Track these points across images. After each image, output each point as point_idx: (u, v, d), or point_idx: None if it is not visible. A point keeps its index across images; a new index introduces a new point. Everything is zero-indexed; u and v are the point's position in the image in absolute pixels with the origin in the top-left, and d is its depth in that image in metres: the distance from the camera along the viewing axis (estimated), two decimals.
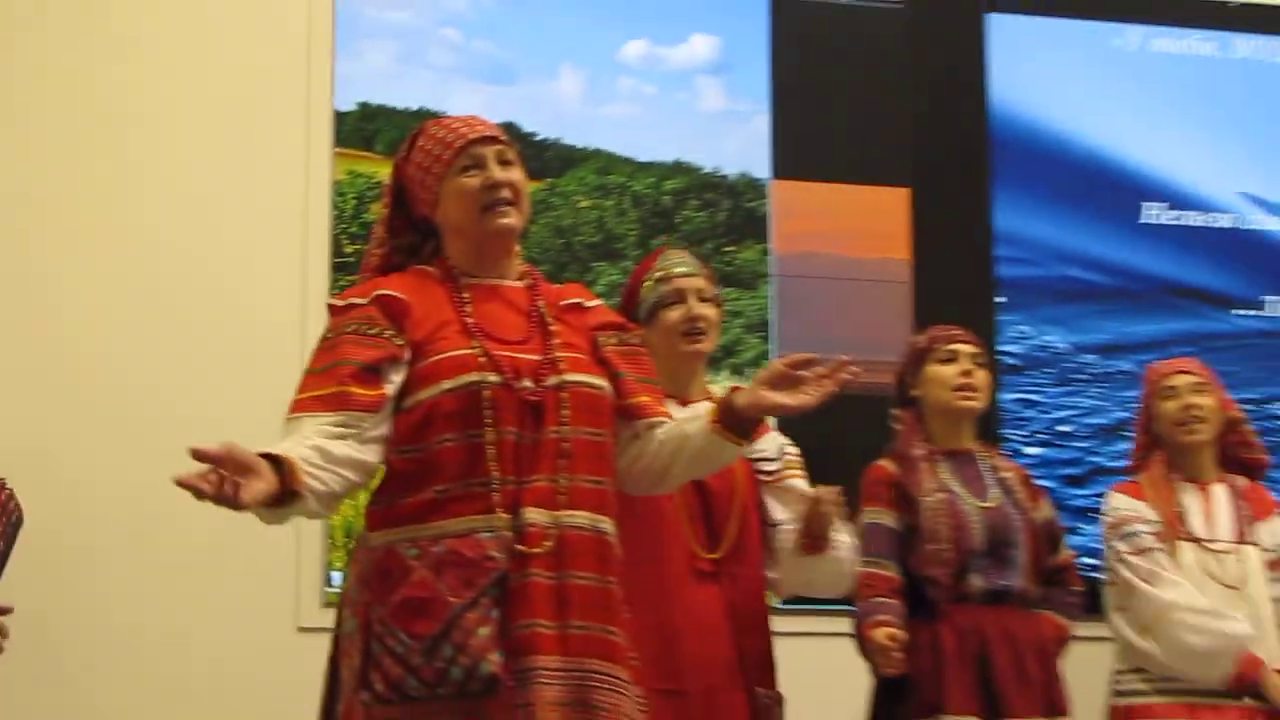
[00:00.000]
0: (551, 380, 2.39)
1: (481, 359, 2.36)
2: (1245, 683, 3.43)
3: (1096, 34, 4.56)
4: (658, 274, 3.15)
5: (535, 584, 2.35)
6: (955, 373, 3.38)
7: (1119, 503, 3.65)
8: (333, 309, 2.49)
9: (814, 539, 3.10)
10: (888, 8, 4.37)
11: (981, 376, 3.47)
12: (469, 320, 2.44)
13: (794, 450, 3.22)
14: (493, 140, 2.47)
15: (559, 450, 2.41)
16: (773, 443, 3.16)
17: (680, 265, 3.15)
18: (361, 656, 2.33)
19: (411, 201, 2.55)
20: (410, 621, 2.29)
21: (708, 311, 3.11)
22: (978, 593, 3.27)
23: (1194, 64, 4.65)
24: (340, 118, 3.99)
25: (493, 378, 2.36)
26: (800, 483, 3.18)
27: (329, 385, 2.36)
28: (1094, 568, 3.91)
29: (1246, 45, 4.68)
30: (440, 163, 2.45)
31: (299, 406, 2.37)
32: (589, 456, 2.42)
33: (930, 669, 3.22)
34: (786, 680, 3.41)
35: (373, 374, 2.35)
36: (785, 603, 3.68)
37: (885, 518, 3.28)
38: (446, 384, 2.36)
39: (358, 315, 2.43)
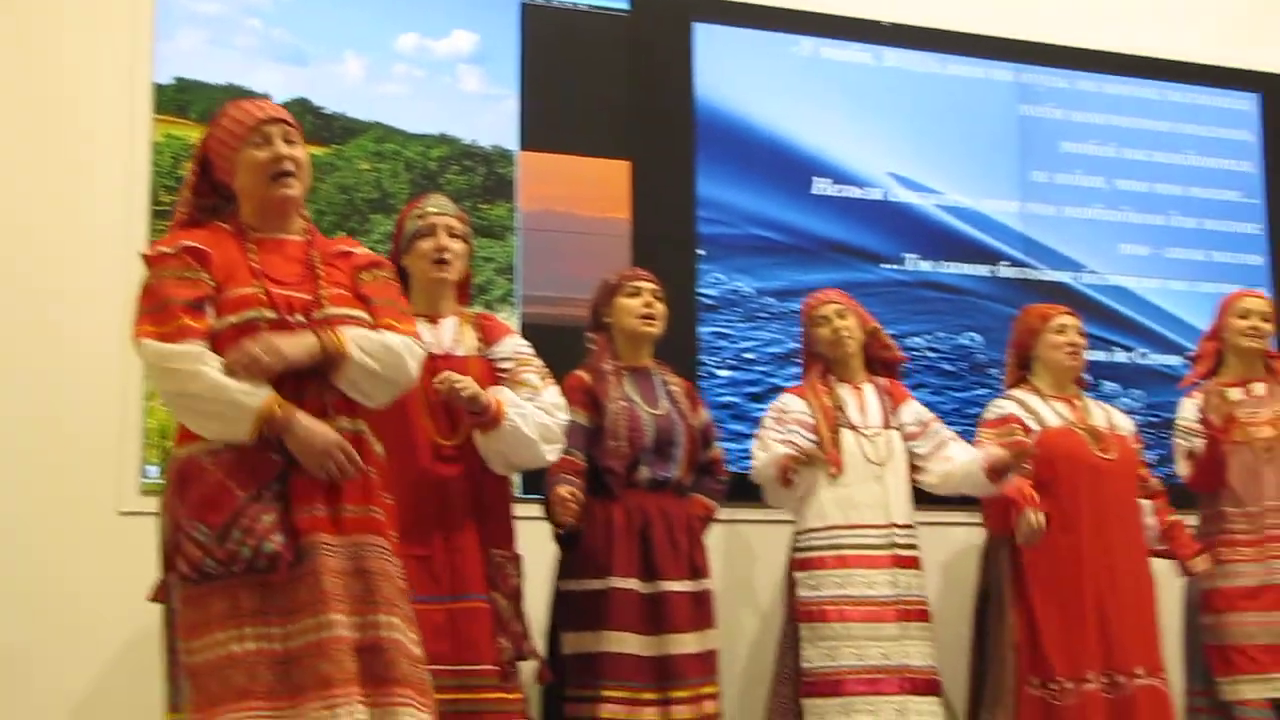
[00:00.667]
0: (317, 314, 2.64)
1: (261, 296, 2.62)
2: (782, 469, 3.81)
3: (780, 43, 4.79)
4: (417, 212, 3.42)
5: (311, 477, 2.59)
6: (639, 304, 3.70)
7: (777, 400, 4.05)
8: (147, 258, 2.65)
9: (474, 418, 3.24)
10: (615, 13, 4.57)
11: (660, 308, 3.76)
12: (254, 266, 2.65)
13: (527, 350, 3.45)
14: (280, 121, 2.73)
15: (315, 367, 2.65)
16: (509, 345, 3.42)
17: (435, 206, 3.43)
18: (169, 546, 2.57)
19: (213, 169, 2.75)
20: (205, 513, 2.51)
21: (454, 245, 3.37)
22: (644, 481, 3.61)
23: (854, 69, 4.92)
24: (159, 89, 4.03)
25: (269, 313, 2.59)
26: (532, 376, 3.39)
27: (169, 322, 2.55)
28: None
29: (895, 56, 4.98)
30: (236, 138, 2.69)
31: (145, 334, 2.55)
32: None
33: (603, 541, 3.54)
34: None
35: (197, 309, 2.57)
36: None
37: (579, 417, 3.53)
38: (233, 317, 2.60)
39: (172, 262, 2.61)
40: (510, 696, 3.20)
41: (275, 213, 2.72)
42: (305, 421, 2.55)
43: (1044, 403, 4.17)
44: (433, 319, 3.32)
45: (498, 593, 3.25)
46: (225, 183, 2.74)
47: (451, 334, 3.35)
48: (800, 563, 3.91)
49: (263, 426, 2.51)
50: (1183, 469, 4.30)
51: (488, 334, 3.42)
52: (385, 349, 2.66)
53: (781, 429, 3.93)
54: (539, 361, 3.41)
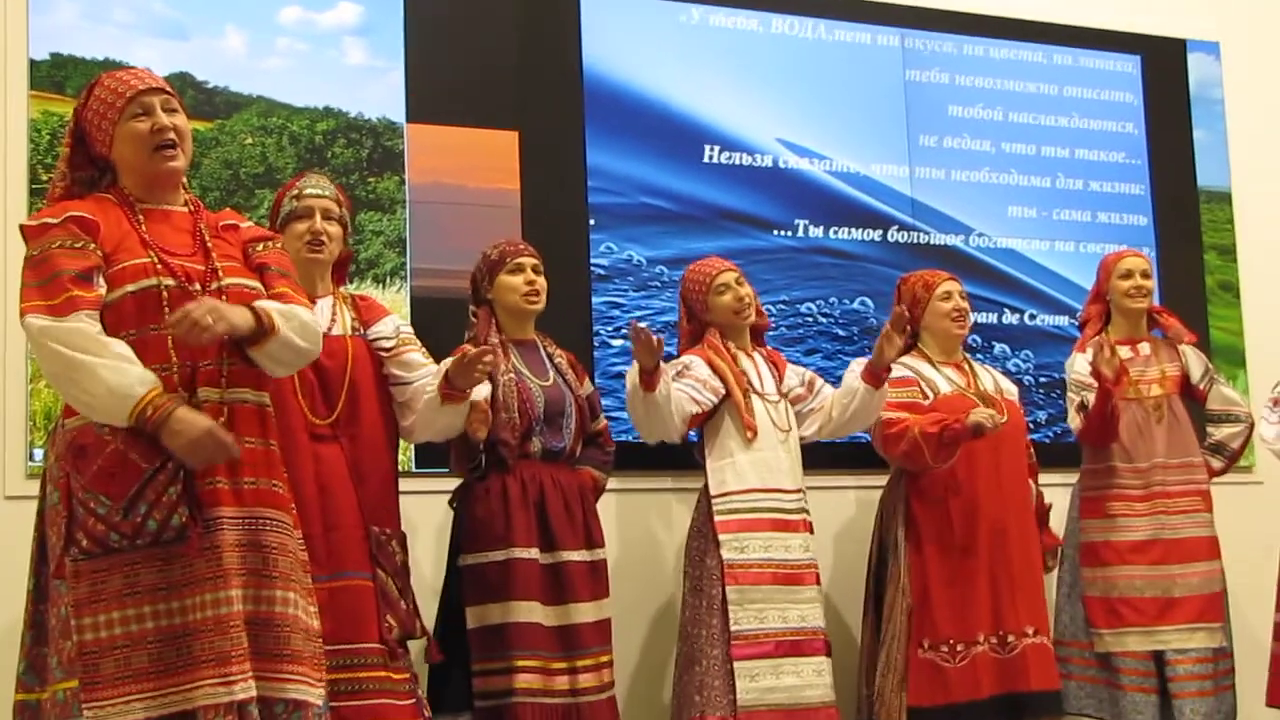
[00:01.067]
0: (214, 284, 2.64)
1: (158, 265, 2.60)
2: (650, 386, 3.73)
3: (667, 10, 4.80)
4: (294, 192, 3.43)
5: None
6: (522, 281, 3.70)
7: (680, 359, 4.04)
8: (29, 230, 2.59)
9: (455, 390, 3.32)
10: None
11: (541, 282, 3.77)
12: (145, 236, 2.63)
13: (408, 329, 3.52)
14: (159, 91, 2.71)
15: (223, 340, 2.62)
16: (389, 324, 3.43)
17: (313, 188, 3.43)
18: (66, 520, 2.51)
19: (89, 141, 2.71)
20: (107, 485, 2.48)
21: (330, 228, 3.38)
22: (537, 452, 3.61)
23: (742, 37, 4.91)
24: (34, 65, 3.96)
25: (169, 281, 2.60)
26: (417, 355, 3.43)
27: (58, 294, 2.51)
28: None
29: (782, 23, 4.98)
30: (114, 109, 2.66)
31: (33, 310, 2.50)
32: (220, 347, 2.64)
33: (500, 512, 3.54)
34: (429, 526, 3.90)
35: (86, 280, 2.53)
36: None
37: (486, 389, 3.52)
38: (130, 286, 2.57)
39: (58, 232, 2.57)
40: (397, 676, 3.19)
41: (160, 184, 2.72)
42: (180, 415, 2.51)
43: (934, 369, 4.23)
44: (310, 298, 3.28)
45: (382, 571, 3.25)
46: (103, 155, 2.71)
47: (327, 314, 3.33)
48: (723, 525, 3.92)
49: (137, 419, 2.48)
50: (1075, 422, 4.37)
51: (365, 314, 3.43)
52: (302, 323, 2.68)
53: (679, 382, 3.90)
54: (417, 341, 3.46)
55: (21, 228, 2.65)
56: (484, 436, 3.47)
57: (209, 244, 2.70)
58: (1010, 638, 4.01)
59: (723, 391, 3.95)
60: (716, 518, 3.93)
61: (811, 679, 3.86)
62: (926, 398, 4.15)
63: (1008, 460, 4.14)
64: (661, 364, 3.74)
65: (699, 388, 3.92)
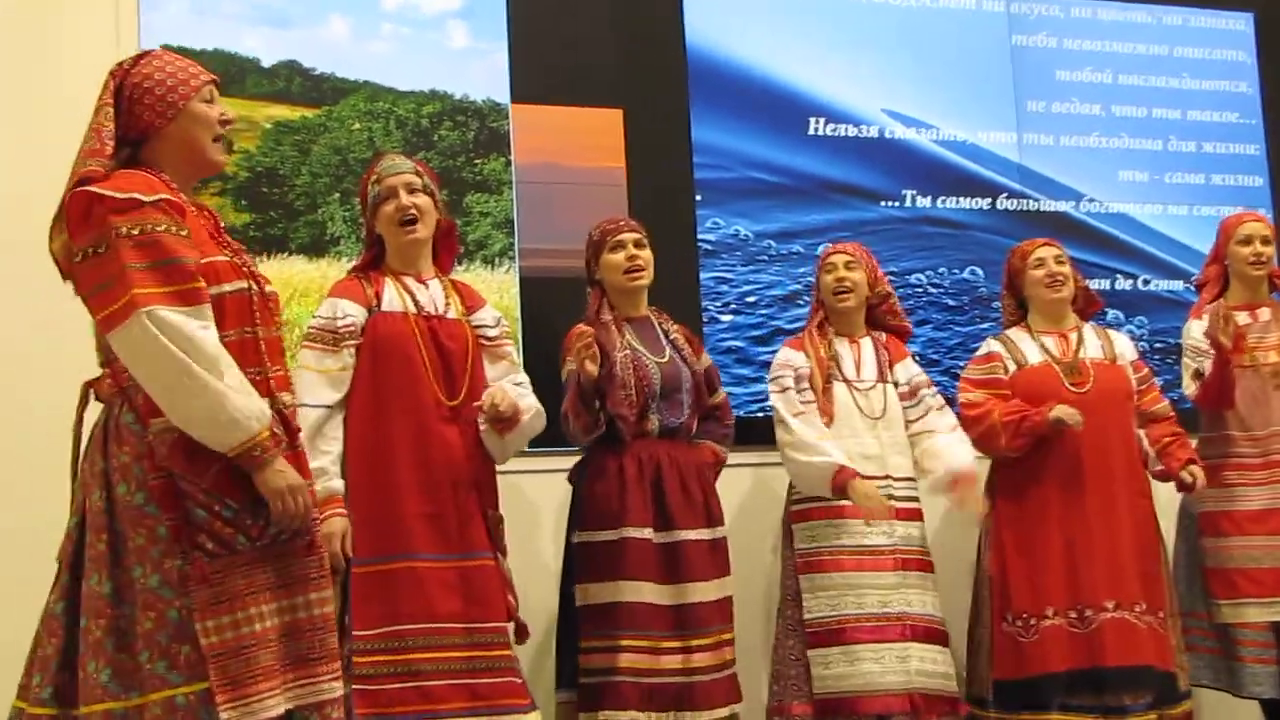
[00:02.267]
0: (268, 288, 2.60)
1: (244, 268, 2.54)
2: (838, 489, 3.79)
3: None
4: (373, 179, 3.40)
5: (301, 452, 2.60)
6: (623, 258, 3.71)
7: (780, 355, 4.05)
8: (115, 202, 2.39)
9: (502, 425, 3.34)
10: None
11: (645, 256, 3.77)
12: (212, 231, 2.56)
13: (505, 323, 3.55)
14: (214, 82, 2.64)
15: (280, 347, 2.62)
16: (489, 314, 3.51)
17: (390, 167, 3.39)
18: (173, 523, 2.42)
19: (137, 114, 2.54)
20: (232, 490, 2.43)
21: (418, 200, 3.34)
22: (655, 429, 3.63)
23: (845, 6, 4.93)
24: None
25: (253, 285, 2.53)
26: (513, 351, 3.50)
27: (188, 281, 2.39)
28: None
29: None
30: (188, 86, 2.56)
31: (154, 299, 2.33)
32: (283, 350, 2.64)
33: (616, 490, 3.56)
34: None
35: (198, 275, 2.42)
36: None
37: (591, 367, 3.52)
38: (227, 287, 2.49)
39: (156, 215, 2.42)
40: (513, 654, 3.25)
41: (200, 175, 2.69)
42: (278, 465, 2.47)
43: (1032, 339, 4.18)
44: (420, 279, 3.36)
45: (499, 552, 3.29)
46: (142, 130, 2.55)
47: (442, 295, 3.38)
48: (796, 515, 3.95)
49: (240, 451, 2.42)
50: (1190, 389, 4.30)
51: (467, 299, 3.44)
52: None
53: (783, 399, 3.95)
54: (511, 340, 3.55)
55: (96, 196, 2.41)
56: (594, 373, 3.45)
57: (236, 243, 2.65)
58: (1089, 612, 3.95)
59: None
60: (791, 507, 3.97)
61: (893, 665, 3.82)
62: (1007, 372, 4.14)
63: (1093, 429, 4.03)
64: (854, 484, 3.75)
65: (801, 391, 3.95)
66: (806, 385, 3.95)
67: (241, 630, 2.44)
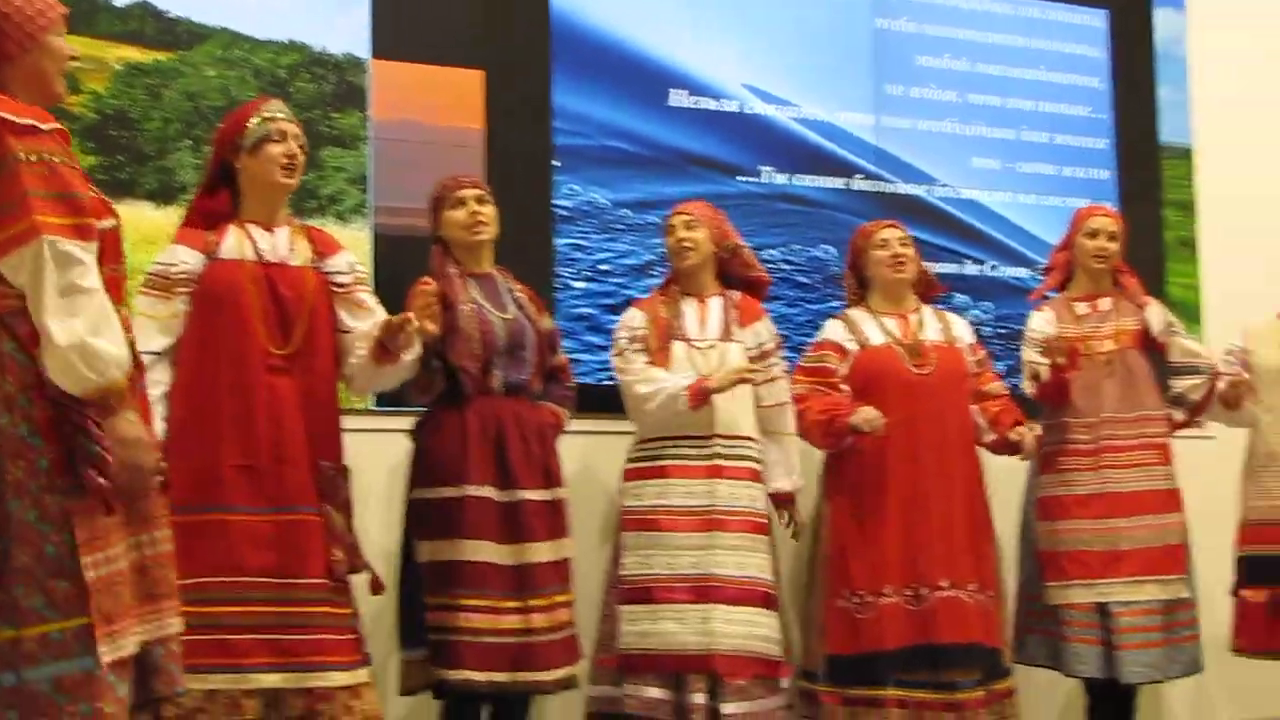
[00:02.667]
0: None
1: (109, 204, 2.54)
2: (699, 399, 3.84)
3: None
4: (265, 115, 3.37)
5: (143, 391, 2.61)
6: (464, 215, 3.73)
7: (623, 315, 4.07)
8: (13, 126, 2.36)
9: (387, 352, 3.36)
10: None
11: (488, 212, 3.77)
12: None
13: (361, 268, 3.55)
14: (67, 18, 2.62)
15: (125, 286, 2.60)
16: (344, 260, 3.46)
17: (283, 113, 3.41)
18: (59, 457, 2.40)
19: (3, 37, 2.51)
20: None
21: (300, 154, 3.39)
22: (499, 386, 3.63)
23: None
24: None
25: (118, 223, 2.52)
26: (368, 297, 3.45)
27: (84, 215, 2.37)
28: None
29: None
30: (45, 18, 2.52)
31: (58, 230, 2.32)
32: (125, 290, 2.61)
33: (458, 447, 3.56)
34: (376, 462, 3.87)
35: (88, 209, 2.40)
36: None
37: (431, 327, 3.51)
38: (104, 224, 2.46)
39: (52, 144, 2.40)
40: (339, 611, 3.22)
41: (44, 107, 2.61)
42: (130, 415, 2.45)
43: (874, 319, 4.23)
44: (268, 226, 3.34)
45: (330, 505, 3.26)
46: (7, 52, 2.52)
47: (285, 244, 3.35)
48: (628, 474, 3.99)
49: (99, 397, 2.40)
50: (1028, 388, 4.40)
51: (320, 246, 3.43)
52: None
53: (621, 359, 4.01)
54: (368, 284, 3.52)
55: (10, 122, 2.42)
56: (433, 331, 3.46)
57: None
58: (924, 590, 4.03)
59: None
60: (626, 466, 4.01)
61: (694, 625, 3.85)
62: (844, 357, 4.21)
63: (931, 411, 4.15)
64: (707, 384, 3.83)
65: (636, 350, 4.00)
66: (640, 346, 3.98)
67: (112, 566, 2.45)
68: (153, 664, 2.56)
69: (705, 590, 3.82)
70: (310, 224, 3.62)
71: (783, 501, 4.09)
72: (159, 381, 3.21)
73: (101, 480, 2.38)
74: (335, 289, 3.39)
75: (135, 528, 2.52)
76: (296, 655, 3.13)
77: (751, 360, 4.01)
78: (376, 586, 3.41)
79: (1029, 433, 4.14)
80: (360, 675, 3.21)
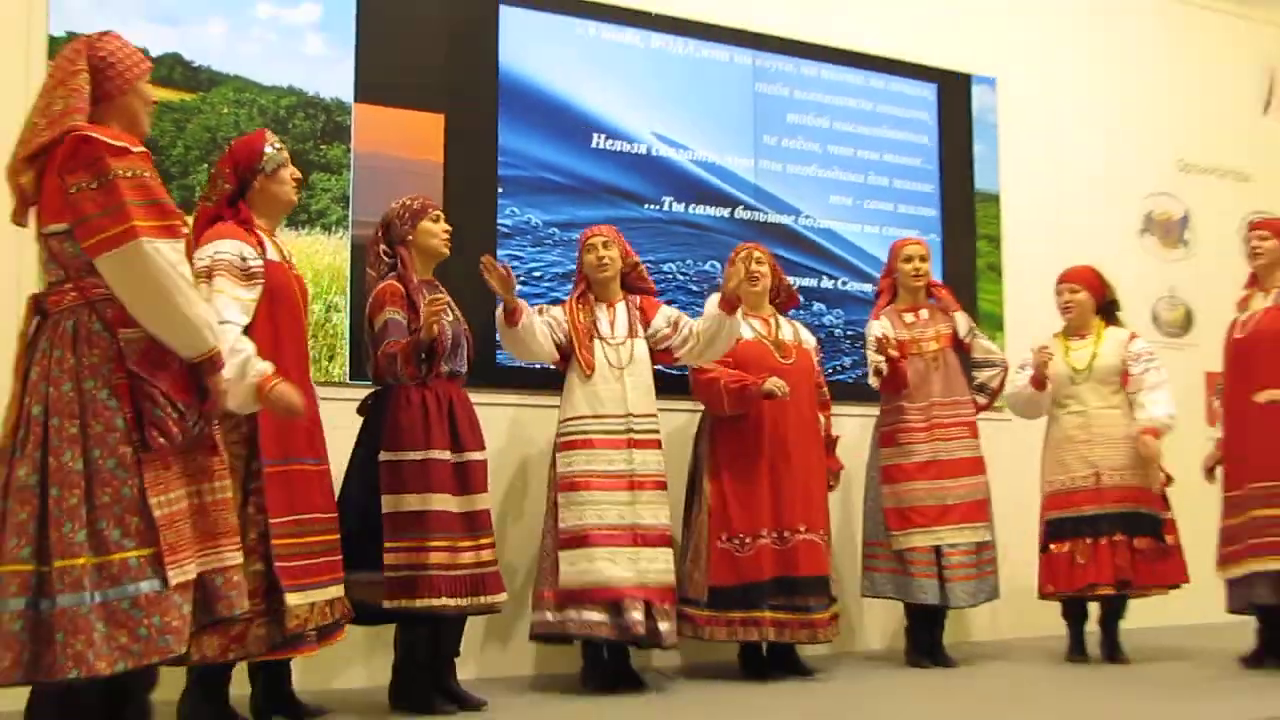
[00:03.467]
0: None
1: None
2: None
3: (568, 25, 4.99)
4: (276, 145, 3.43)
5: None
6: (441, 228, 3.84)
7: (550, 310, 4.23)
8: (111, 148, 2.50)
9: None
10: None
11: (448, 232, 3.85)
12: None
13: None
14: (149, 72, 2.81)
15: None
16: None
17: (279, 141, 3.47)
18: (130, 416, 2.52)
19: (105, 79, 2.64)
20: (185, 395, 2.60)
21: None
22: (446, 372, 3.73)
23: (627, 49, 5.14)
24: (52, 40, 4.03)
25: (185, 228, 2.68)
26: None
27: (172, 218, 2.53)
28: None
29: (659, 40, 5.21)
30: (140, 67, 2.74)
31: (150, 231, 2.46)
32: None
33: (421, 419, 3.63)
34: None
35: (177, 213, 2.59)
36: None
37: (400, 316, 3.65)
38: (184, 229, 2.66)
39: (142, 163, 2.54)
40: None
41: (135, 139, 2.69)
42: (224, 371, 2.73)
43: (745, 320, 4.43)
44: (272, 234, 3.42)
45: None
46: (111, 86, 2.66)
47: (287, 251, 3.48)
48: (560, 445, 4.15)
49: (204, 359, 2.60)
50: (874, 382, 4.71)
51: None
52: None
53: (543, 317, 4.18)
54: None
55: (93, 140, 2.56)
56: (439, 335, 3.58)
57: None
58: (787, 534, 4.28)
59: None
60: (558, 438, 4.14)
61: (625, 564, 3.97)
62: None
63: (793, 393, 4.31)
64: (523, 303, 3.94)
65: (554, 325, 4.14)
66: (552, 320, 4.14)
67: (174, 507, 2.57)
68: (214, 591, 2.69)
69: (633, 536, 4.02)
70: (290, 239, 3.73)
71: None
72: (244, 349, 3.15)
73: (161, 439, 2.52)
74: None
75: (194, 478, 2.66)
76: (332, 574, 3.34)
77: (663, 332, 4.21)
78: None
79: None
80: (336, 590, 3.36)
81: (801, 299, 4.95)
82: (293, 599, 3.18)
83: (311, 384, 3.43)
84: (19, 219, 2.67)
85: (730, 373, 4.31)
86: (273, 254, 3.36)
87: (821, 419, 4.60)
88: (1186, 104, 6.69)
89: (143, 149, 2.59)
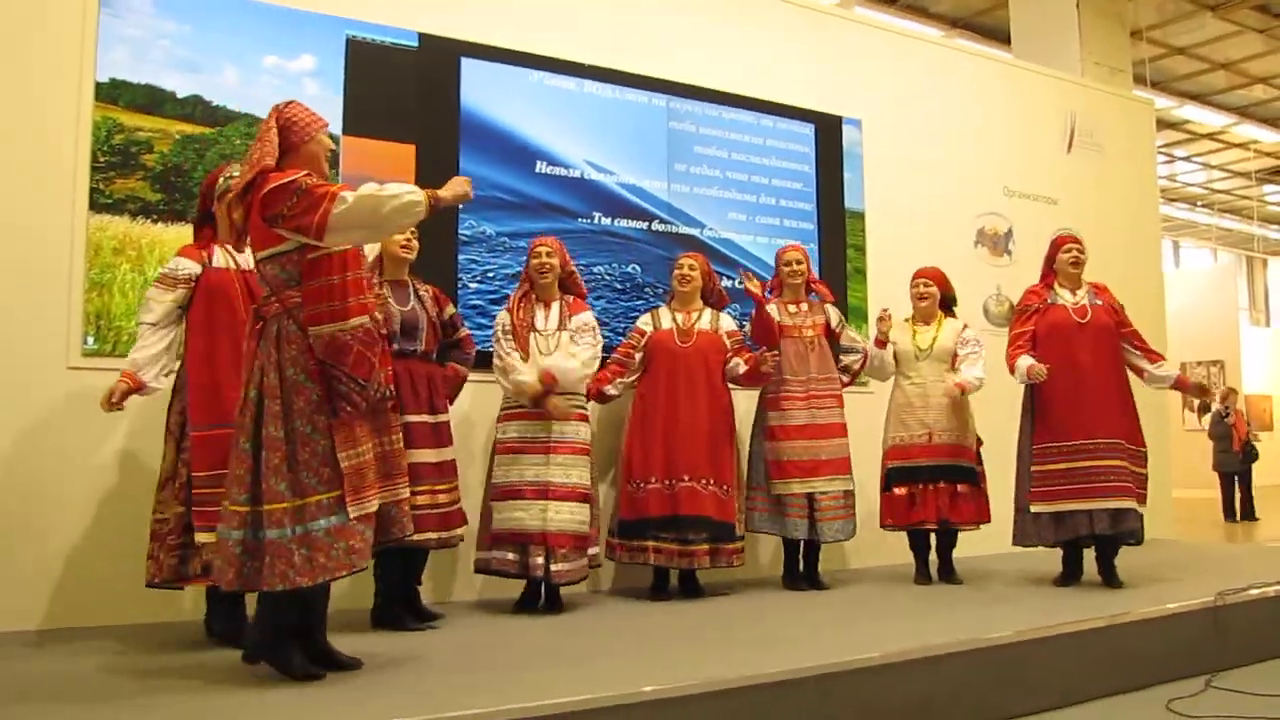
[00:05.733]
0: None
1: None
2: (534, 400, 4.00)
3: (518, 74, 5.05)
4: (227, 175, 3.48)
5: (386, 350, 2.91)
6: (402, 239, 3.87)
7: (498, 317, 4.23)
8: (294, 174, 2.73)
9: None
10: (407, 48, 4.74)
11: (415, 243, 3.90)
12: None
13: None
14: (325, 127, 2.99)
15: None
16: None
17: (235, 173, 3.39)
18: (321, 392, 2.72)
19: (285, 132, 2.86)
20: (365, 371, 2.78)
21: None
22: (402, 351, 3.76)
23: (565, 94, 5.20)
24: (99, 85, 4.13)
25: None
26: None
27: (339, 188, 2.72)
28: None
29: (591, 86, 5.24)
30: (317, 124, 2.92)
31: (334, 197, 2.66)
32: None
33: (396, 387, 3.43)
34: None
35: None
36: None
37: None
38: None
39: (306, 177, 2.75)
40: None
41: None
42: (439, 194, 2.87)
43: (670, 314, 4.64)
44: (239, 248, 3.37)
45: None
46: (295, 139, 2.87)
47: (249, 258, 3.35)
48: (501, 418, 4.24)
49: (432, 203, 2.80)
50: (749, 331, 4.79)
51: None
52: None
53: (498, 345, 4.19)
54: None
55: (283, 175, 2.77)
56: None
57: None
58: (673, 481, 4.40)
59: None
60: (500, 412, 4.23)
61: (536, 515, 3.97)
62: (643, 335, 4.53)
63: (689, 370, 4.48)
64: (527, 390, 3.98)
65: (507, 340, 4.13)
66: (510, 335, 4.18)
67: (360, 458, 2.79)
68: (390, 518, 2.91)
69: (543, 491, 4.05)
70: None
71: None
72: (150, 342, 3.36)
73: (348, 408, 2.76)
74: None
75: (379, 432, 2.88)
76: None
77: (573, 338, 4.20)
78: None
79: (764, 359, 4.49)
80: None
81: (730, 299, 4.99)
82: (201, 536, 3.26)
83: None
84: (237, 245, 2.95)
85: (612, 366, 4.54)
86: (219, 262, 3.45)
87: (741, 365, 4.63)
88: (1010, 142, 6.89)
89: (307, 172, 2.80)
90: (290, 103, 2.96)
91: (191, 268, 3.44)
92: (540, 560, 4.02)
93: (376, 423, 2.89)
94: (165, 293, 3.42)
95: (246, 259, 3.38)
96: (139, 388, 3.39)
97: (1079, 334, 4.62)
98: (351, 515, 2.74)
